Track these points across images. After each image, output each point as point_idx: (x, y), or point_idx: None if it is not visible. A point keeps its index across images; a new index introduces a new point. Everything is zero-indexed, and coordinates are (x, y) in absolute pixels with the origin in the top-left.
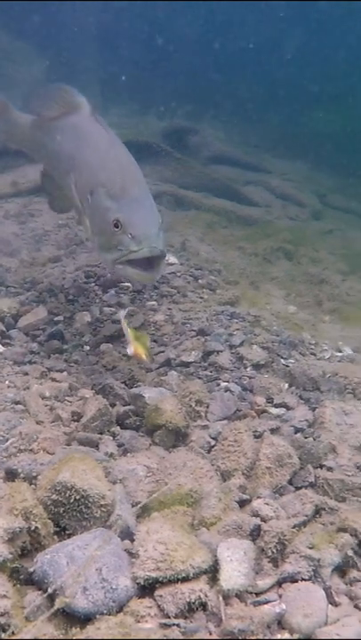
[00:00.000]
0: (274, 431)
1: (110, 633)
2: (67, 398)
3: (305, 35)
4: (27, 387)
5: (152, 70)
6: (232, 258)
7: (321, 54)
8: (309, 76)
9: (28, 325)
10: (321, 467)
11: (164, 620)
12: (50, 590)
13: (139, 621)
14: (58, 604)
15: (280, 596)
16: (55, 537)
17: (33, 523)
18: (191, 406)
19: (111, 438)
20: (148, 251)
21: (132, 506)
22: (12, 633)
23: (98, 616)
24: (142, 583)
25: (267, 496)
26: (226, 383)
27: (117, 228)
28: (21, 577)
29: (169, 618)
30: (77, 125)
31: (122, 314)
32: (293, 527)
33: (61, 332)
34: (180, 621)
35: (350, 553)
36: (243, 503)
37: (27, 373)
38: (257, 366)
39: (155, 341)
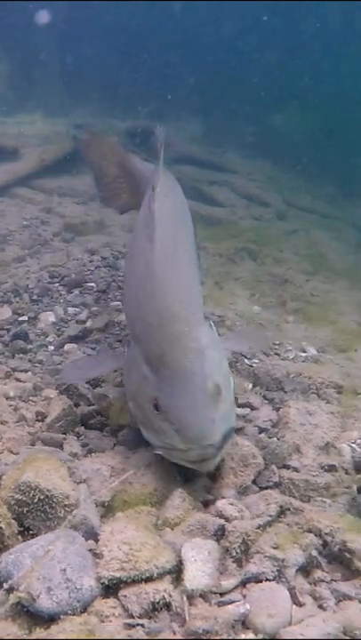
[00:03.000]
0: (238, 431)
1: (74, 633)
2: (31, 398)
3: (271, 36)
4: None
5: (117, 70)
6: None
7: (287, 55)
8: (275, 77)
9: None
10: (285, 467)
11: (128, 620)
12: (6, 586)
13: (103, 621)
14: (12, 599)
15: (244, 597)
16: (19, 537)
17: None
18: None
19: (75, 438)
20: (200, 454)
21: (97, 506)
22: None
23: (62, 616)
24: (106, 583)
25: (231, 496)
26: None
27: (157, 410)
28: None
29: (133, 618)
30: (141, 216)
31: None
32: (258, 527)
33: (26, 332)
34: (145, 621)
35: (314, 553)
36: (207, 503)
37: None
38: None
39: (119, 341)
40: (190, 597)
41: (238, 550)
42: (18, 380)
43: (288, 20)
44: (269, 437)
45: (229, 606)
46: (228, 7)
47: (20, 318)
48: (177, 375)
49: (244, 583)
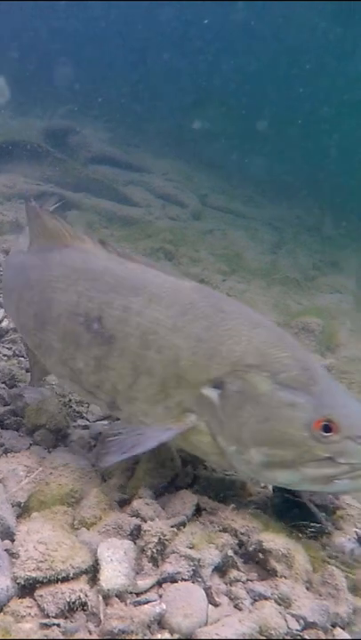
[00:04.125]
0: None
1: None
2: None
3: (193, 38)
4: None
5: (34, 69)
6: None
7: (208, 57)
8: (193, 78)
9: None
10: (202, 467)
11: (44, 620)
12: None
13: (19, 621)
14: None
15: (160, 596)
16: None
17: None
18: (72, 407)
19: None
20: None
21: (13, 506)
22: None
23: None
24: (23, 583)
25: (147, 496)
26: None
27: (329, 432)
28: None
29: (49, 618)
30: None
31: None
32: (173, 527)
33: None
34: (61, 621)
35: (230, 553)
36: (123, 503)
37: None
38: None
39: None
40: (106, 597)
41: (154, 550)
42: None
43: (221, 23)
44: None
45: (145, 606)
46: (162, 8)
47: None
48: (330, 386)
49: (160, 583)
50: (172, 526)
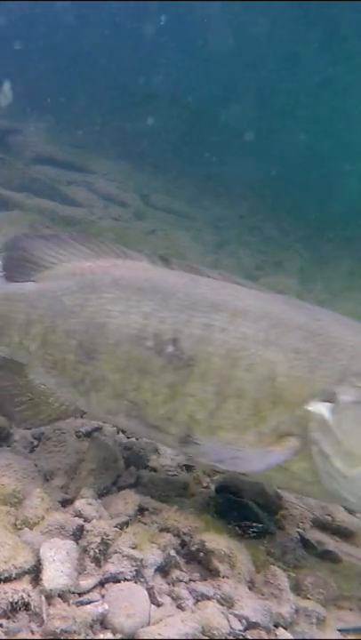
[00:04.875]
0: (99, 431)
1: None
2: None
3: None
4: None
5: None
6: None
7: (154, 57)
8: (137, 78)
9: None
10: (145, 467)
11: None
12: None
13: None
14: None
15: (103, 597)
16: None
17: None
18: None
19: None
20: None
21: None
22: None
23: None
24: None
25: (89, 496)
26: None
27: None
28: None
29: None
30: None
31: None
32: (116, 527)
33: None
34: (3, 621)
35: (173, 553)
36: (65, 503)
37: None
38: None
39: None
40: (49, 597)
41: (97, 550)
42: None
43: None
44: (128, 437)
45: (88, 606)
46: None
47: None
48: None
49: (102, 583)
50: (114, 526)
